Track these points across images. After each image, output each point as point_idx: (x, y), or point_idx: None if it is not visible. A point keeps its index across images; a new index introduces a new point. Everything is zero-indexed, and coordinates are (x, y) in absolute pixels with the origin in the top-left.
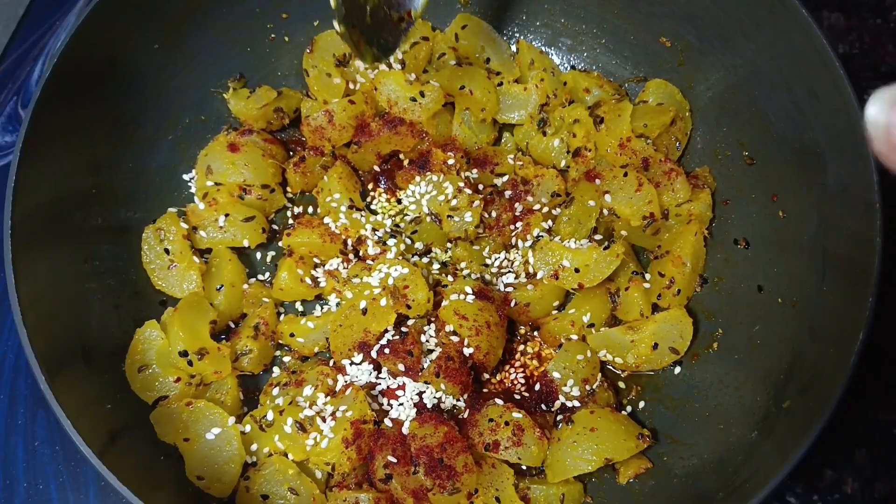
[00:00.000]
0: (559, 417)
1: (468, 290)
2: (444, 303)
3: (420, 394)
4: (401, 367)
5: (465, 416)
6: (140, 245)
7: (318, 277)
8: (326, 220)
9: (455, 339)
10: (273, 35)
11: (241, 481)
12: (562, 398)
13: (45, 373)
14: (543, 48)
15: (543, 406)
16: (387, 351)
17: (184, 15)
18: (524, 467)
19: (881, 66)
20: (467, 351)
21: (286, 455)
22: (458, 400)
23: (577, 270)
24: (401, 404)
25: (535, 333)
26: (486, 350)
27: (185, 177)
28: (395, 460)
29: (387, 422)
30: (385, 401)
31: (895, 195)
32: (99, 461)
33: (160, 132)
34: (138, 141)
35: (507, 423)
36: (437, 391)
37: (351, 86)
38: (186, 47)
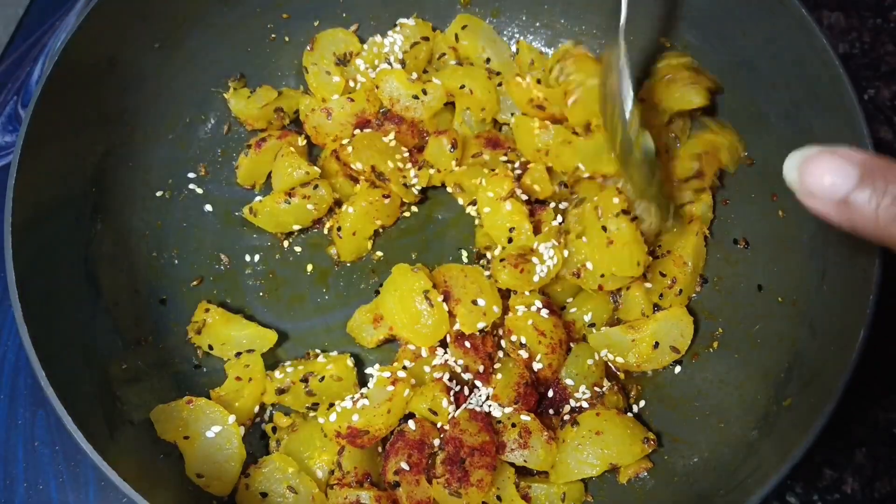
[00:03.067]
0: (566, 417)
1: (538, 303)
2: (510, 315)
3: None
4: (480, 367)
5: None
6: (136, 246)
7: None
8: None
9: (524, 353)
10: (273, 35)
11: (240, 479)
12: (572, 402)
13: (46, 372)
14: (543, 48)
15: (551, 411)
16: (468, 344)
17: (184, 15)
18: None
19: (881, 65)
20: (536, 366)
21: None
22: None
23: (602, 276)
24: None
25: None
26: (555, 368)
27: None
28: (407, 468)
29: (410, 424)
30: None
31: None
32: (100, 458)
33: (160, 132)
34: (138, 141)
35: (514, 425)
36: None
37: (351, 84)
38: (186, 47)
